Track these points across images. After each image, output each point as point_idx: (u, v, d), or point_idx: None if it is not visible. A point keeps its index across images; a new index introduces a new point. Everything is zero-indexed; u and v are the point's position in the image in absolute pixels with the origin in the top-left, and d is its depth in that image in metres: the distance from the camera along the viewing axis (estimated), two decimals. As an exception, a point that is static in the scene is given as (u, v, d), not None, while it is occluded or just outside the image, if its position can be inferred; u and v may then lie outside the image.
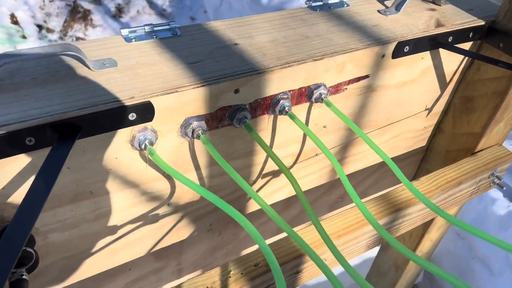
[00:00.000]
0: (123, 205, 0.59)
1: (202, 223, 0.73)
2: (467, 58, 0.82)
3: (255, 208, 0.79)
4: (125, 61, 0.55)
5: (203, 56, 0.58)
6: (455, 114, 0.90)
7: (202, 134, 0.55)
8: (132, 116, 0.50)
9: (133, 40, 0.59)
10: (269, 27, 0.67)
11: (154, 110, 0.51)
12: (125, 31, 0.60)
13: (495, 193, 2.23)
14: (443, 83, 0.83)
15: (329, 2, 0.75)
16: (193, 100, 0.53)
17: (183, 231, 0.71)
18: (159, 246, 0.70)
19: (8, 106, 0.45)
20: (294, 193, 0.81)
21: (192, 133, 0.55)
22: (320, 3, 0.75)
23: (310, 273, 0.68)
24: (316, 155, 0.78)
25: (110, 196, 0.57)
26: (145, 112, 0.50)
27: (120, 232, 0.62)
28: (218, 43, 0.61)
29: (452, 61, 0.80)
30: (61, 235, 0.56)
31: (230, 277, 0.59)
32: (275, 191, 0.78)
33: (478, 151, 0.88)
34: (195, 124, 0.55)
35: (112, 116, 0.48)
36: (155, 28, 0.61)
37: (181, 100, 0.53)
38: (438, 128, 0.95)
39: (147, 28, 0.61)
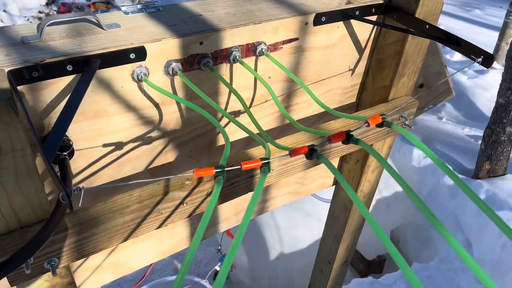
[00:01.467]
0: (127, 125, 0.86)
1: (184, 149, 1.00)
2: (376, 28, 1.11)
3: (223, 142, 1.06)
4: (125, 25, 0.82)
5: (178, 22, 0.86)
6: (373, 74, 1.19)
7: (179, 71, 0.83)
8: (132, 56, 0.77)
9: (130, 13, 0.87)
10: (225, 6, 0.95)
11: (146, 52, 0.78)
12: (124, 8, 0.87)
13: (446, 167, 2.54)
14: (359, 48, 1.13)
15: (270, -11, 1.04)
16: (172, 47, 0.81)
17: (170, 154, 0.98)
18: (153, 165, 0.96)
19: (55, 47, 0.72)
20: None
21: (172, 71, 0.83)
22: (264, -10, 1.03)
23: (247, 187, 0.94)
24: (266, 101, 1.05)
25: (118, 116, 0.83)
26: (140, 53, 0.78)
27: (125, 148, 0.89)
28: (188, 14, 0.89)
29: (363, 31, 1.10)
30: (86, 144, 0.83)
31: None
32: (237, 129, 1.05)
33: (390, 100, 1.17)
34: (173, 64, 0.82)
35: (119, 55, 0.75)
36: (145, 7, 0.89)
37: (163, 47, 0.80)
38: (363, 87, 1.24)
39: (139, 6, 0.88)
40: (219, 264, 2.41)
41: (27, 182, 0.68)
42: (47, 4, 8.41)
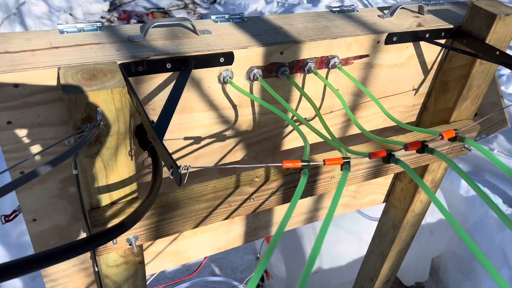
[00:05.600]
0: (207, 122, 0.94)
1: (251, 151, 1.06)
2: (443, 51, 1.15)
3: (286, 147, 1.12)
4: (215, 32, 0.91)
5: (261, 32, 0.93)
6: (436, 95, 1.22)
7: (259, 76, 0.90)
8: (221, 60, 0.85)
9: (219, 21, 0.95)
10: (303, 20, 1.02)
11: (234, 57, 0.86)
12: (213, 17, 0.96)
13: (496, 199, 2.48)
14: (425, 69, 1.16)
15: (344, 8, 1.11)
16: (256, 55, 0.89)
17: (238, 154, 1.05)
18: (223, 162, 1.04)
19: (157, 47, 0.82)
20: (315, 141, 1.14)
21: (253, 76, 0.90)
22: (338, 8, 1.10)
23: (323, 186, 1.00)
24: (331, 112, 1.11)
25: (201, 114, 0.91)
26: (229, 58, 0.86)
27: (202, 143, 0.97)
28: (270, 26, 0.97)
29: (431, 53, 1.13)
30: (171, 135, 0.91)
31: (271, 173, 0.92)
32: (299, 137, 1.11)
33: (452, 122, 1.19)
34: (255, 70, 0.90)
35: (211, 58, 0.84)
36: (232, 17, 0.98)
37: (249, 54, 0.88)
38: (424, 107, 1.27)
39: (226, 16, 0.97)
40: (257, 271, 2.44)
41: (123, 163, 0.76)
42: (109, 11, 8.93)
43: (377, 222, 2.34)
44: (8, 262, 0.45)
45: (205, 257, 1.29)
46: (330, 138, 0.86)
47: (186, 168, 0.61)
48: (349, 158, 0.68)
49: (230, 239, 1.24)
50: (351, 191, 1.39)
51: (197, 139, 0.96)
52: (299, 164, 0.65)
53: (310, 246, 2.35)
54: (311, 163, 0.67)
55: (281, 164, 0.65)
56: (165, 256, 1.15)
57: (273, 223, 1.31)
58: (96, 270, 0.94)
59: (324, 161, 0.67)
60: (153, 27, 0.85)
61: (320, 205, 1.37)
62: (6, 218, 0.95)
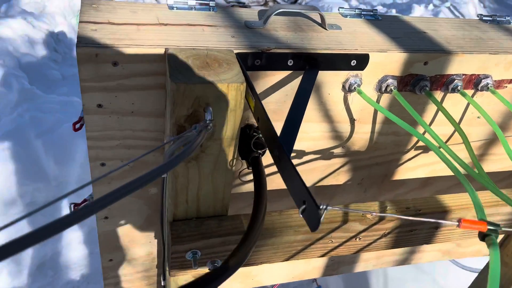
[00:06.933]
0: (316, 135, 0.78)
1: (356, 175, 0.89)
2: None
3: (397, 177, 0.93)
4: (345, 28, 0.74)
5: (401, 35, 0.75)
6: None
7: (394, 89, 0.72)
8: (353, 63, 0.68)
9: (348, 16, 0.79)
10: (449, 27, 0.83)
11: (369, 61, 0.69)
12: (342, 10, 0.80)
13: None
14: None
15: (497, 18, 0.89)
16: (394, 61, 0.71)
17: (341, 177, 0.88)
18: (321, 183, 0.87)
19: (278, 38, 0.67)
20: (434, 174, 0.94)
21: (386, 88, 0.72)
22: (490, 18, 0.89)
23: (445, 235, 0.80)
24: (461, 143, 0.90)
25: (312, 124, 0.75)
26: (362, 61, 0.69)
27: (304, 159, 0.81)
28: (411, 29, 0.78)
29: None
30: (271, 145, 0.76)
31: (386, 209, 0.74)
32: (418, 167, 0.92)
33: None
34: (390, 81, 0.72)
35: (341, 59, 0.67)
36: (363, 12, 0.80)
37: (386, 60, 0.70)
38: None
39: (357, 11, 0.80)
40: (312, 294, 2.26)
41: (222, 173, 0.62)
42: (192, 1, 9.13)
43: (462, 270, 2.04)
44: None
45: (276, 284, 1.14)
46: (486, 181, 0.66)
47: (324, 206, 0.45)
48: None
49: (308, 269, 1.07)
50: (456, 237, 1.17)
51: (300, 153, 0.80)
52: (485, 227, 0.46)
53: (376, 282, 2.12)
54: (503, 229, 0.48)
55: (457, 223, 0.47)
56: (235, 277, 1.00)
57: (359, 260, 1.13)
58: (162, 284, 0.82)
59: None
60: (278, 14, 0.70)
61: (418, 247, 1.16)
62: (76, 207, 0.86)
